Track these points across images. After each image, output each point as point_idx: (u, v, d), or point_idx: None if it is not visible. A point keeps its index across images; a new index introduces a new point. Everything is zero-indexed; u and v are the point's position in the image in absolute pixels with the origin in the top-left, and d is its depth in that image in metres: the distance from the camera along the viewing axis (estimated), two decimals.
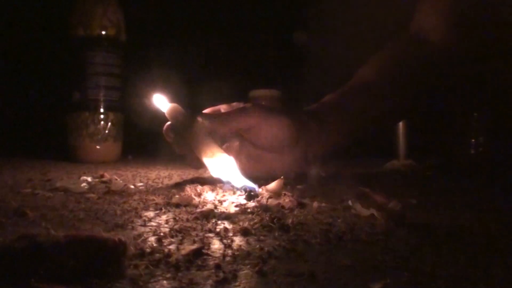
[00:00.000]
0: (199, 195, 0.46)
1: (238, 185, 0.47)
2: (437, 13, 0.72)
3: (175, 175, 0.64)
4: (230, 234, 0.31)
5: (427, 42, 0.70)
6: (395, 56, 0.71)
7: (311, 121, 0.60)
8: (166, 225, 0.34)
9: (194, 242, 0.29)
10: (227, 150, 0.54)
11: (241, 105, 0.58)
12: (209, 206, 0.40)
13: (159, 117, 0.56)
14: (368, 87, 0.67)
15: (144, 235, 0.31)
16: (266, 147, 0.57)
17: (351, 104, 0.65)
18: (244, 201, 0.42)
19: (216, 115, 0.56)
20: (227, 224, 0.34)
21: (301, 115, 0.61)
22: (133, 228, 0.33)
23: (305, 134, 0.59)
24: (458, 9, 0.70)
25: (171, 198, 0.44)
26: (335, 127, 0.62)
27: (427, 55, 0.69)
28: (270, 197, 0.43)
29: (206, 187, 0.49)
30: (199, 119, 0.53)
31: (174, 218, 0.36)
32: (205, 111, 0.58)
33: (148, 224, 0.34)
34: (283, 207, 0.40)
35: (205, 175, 0.61)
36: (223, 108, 0.59)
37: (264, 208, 0.39)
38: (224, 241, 0.30)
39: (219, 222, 0.35)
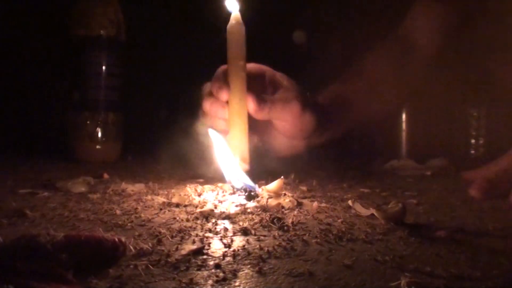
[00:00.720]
0: (199, 195, 0.46)
1: (238, 185, 0.47)
2: (428, 21, 0.76)
3: (175, 175, 0.64)
4: (230, 234, 0.31)
5: (415, 45, 0.75)
6: (385, 56, 0.75)
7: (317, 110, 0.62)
8: (166, 225, 0.34)
9: (194, 242, 0.29)
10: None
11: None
12: (209, 206, 0.40)
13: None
14: (364, 77, 0.71)
15: (144, 235, 0.31)
16: (287, 134, 0.60)
17: (350, 94, 0.68)
18: (244, 201, 0.42)
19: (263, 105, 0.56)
20: (227, 224, 0.34)
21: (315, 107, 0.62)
22: (133, 228, 0.33)
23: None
24: (447, 18, 0.74)
25: (171, 198, 0.44)
26: (336, 118, 0.65)
27: (414, 57, 0.74)
28: (270, 197, 0.43)
29: (206, 187, 0.49)
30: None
31: (174, 218, 0.36)
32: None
33: (148, 224, 0.34)
34: (283, 207, 0.40)
35: (205, 175, 0.61)
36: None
37: (264, 208, 0.39)
38: (224, 241, 0.30)
39: (219, 222, 0.35)
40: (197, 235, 0.31)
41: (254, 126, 0.56)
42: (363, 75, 0.71)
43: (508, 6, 0.75)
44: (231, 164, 0.49)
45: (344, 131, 0.70)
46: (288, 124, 0.57)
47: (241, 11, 0.53)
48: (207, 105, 0.56)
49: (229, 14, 0.53)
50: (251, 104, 0.53)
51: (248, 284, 0.22)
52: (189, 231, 0.32)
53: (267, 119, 0.57)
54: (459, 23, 0.75)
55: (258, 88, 0.57)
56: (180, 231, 0.31)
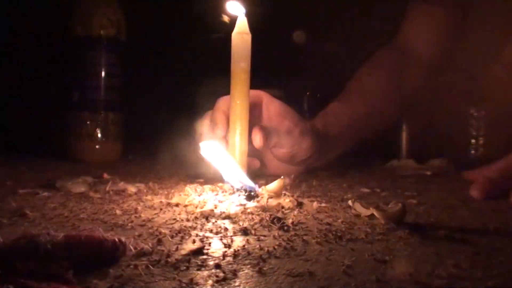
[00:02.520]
0: (199, 195, 0.46)
1: (238, 185, 0.47)
2: (426, 27, 0.77)
3: (175, 175, 0.64)
4: (230, 234, 0.31)
5: (415, 53, 0.75)
6: (385, 69, 0.76)
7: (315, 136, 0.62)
8: (166, 225, 0.34)
9: (194, 242, 0.29)
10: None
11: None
12: (209, 206, 0.40)
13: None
14: (362, 95, 0.72)
15: (144, 235, 0.31)
16: (283, 160, 0.60)
17: (350, 118, 0.68)
18: (244, 201, 0.42)
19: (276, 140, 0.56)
20: (227, 224, 0.34)
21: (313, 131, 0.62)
22: (133, 228, 0.33)
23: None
24: (446, 24, 0.75)
25: (171, 198, 0.44)
26: (335, 143, 0.65)
27: (413, 66, 0.76)
28: (270, 197, 0.43)
29: (206, 187, 0.49)
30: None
31: (174, 218, 0.36)
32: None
33: (148, 224, 0.34)
34: (283, 207, 0.40)
35: (205, 175, 0.61)
36: (223, 105, 0.59)
37: (264, 208, 0.39)
38: (224, 241, 0.30)
39: (219, 222, 0.35)
40: (197, 235, 0.31)
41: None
42: (362, 96, 0.71)
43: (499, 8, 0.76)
44: (230, 166, 0.49)
45: (341, 154, 0.70)
46: (285, 151, 0.57)
47: (246, 15, 0.52)
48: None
49: (232, 16, 0.53)
50: (257, 139, 0.53)
51: (248, 284, 0.22)
52: (189, 231, 0.32)
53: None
54: (456, 28, 0.76)
55: (254, 115, 0.58)
56: (180, 231, 0.31)
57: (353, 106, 0.69)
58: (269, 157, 0.61)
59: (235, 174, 0.48)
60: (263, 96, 0.60)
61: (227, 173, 0.48)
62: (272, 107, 0.59)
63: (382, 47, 0.79)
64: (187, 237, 0.30)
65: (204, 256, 0.26)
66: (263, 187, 0.46)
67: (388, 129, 0.82)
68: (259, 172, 0.60)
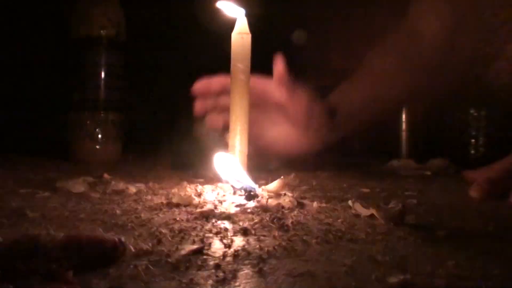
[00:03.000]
0: (199, 195, 0.46)
1: (238, 185, 0.47)
2: (434, 8, 0.76)
3: (175, 175, 0.64)
4: (230, 234, 0.31)
5: (422, 35, 0.75)
6: (393, 52, 0.76)
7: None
8: (166, 225, 0.34)
9: (194, 242, 0.29)
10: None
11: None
12: (209, 206, 0.40)
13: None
14: (371, 77, 0.73)
15: (144, 235, 0.31)
16: (299, 123, 0.63)
17: (358, 95, 0.70)
18: (244, 201, 0.42)
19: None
20: (227, 224, 0.34)
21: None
22: (133, 228, 0.33)
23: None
24: (454, 12, 0.75)
25: (171, 198, 0.44)
26: (344, 120, 0.67)
27: (420, 48, 0.74)
28: (270, 197, 0.43)
29: (206, 187, 0.49)
30: None
31: (174, 218, 0.36)
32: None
33: (148, 224, 0.34)
34: (283, 207, 0.40)
35: (205, 175, 0.61)
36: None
37: (264, 208, 0.39)
38: (224, 241, 0.30)
39: (219, 222, 0.35)
40: (197, 235, 0.31)
41: (262, 126, 0.58)
42: (371, 77, 0.72)
43: None
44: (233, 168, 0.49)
45: (350, 133, 0.71)
46: (300, 111, 0.59)
47: (246, 15, 0.52)
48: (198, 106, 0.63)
49: (232, 17, 0.53)
50: (279, 67, 0.57)
51: (248, 284, 0.22)
52: (189, 231, 0.32)
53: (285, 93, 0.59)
54: (465, 10, 0.75)
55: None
56: (180, 231, 0.31)
57: (362, 87, 0.70)
58: (281, 129, 0.62)
59: (241, 178, 0.47)
60: (255, 82, 0.62)
61: (235, 180, 0.48)
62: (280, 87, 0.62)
63: (390, 31, 0.79)
64: (187, 237, 0.30)
65: (204, 256, 0.26)
66: (263, 187, 0.46)
67: (396, 110, 0.82)
68: (264, 168, 0.61)
